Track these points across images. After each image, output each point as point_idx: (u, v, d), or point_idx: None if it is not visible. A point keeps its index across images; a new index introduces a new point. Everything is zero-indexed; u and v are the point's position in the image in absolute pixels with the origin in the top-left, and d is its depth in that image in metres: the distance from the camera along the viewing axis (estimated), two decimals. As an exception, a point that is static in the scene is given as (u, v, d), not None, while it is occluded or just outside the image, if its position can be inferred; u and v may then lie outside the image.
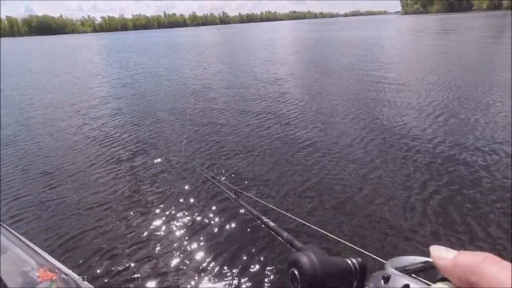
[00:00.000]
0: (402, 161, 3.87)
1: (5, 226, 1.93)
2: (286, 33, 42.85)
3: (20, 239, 1.65)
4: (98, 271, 2.45)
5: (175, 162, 4.11)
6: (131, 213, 3.16)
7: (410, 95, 7.17)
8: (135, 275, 2.36)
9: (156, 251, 2.54)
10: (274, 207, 1.87)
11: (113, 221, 2.99)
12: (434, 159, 3.93)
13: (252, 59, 16.26)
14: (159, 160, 4.25)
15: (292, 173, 3.66)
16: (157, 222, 2.90)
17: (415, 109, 6.14)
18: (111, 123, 6.55)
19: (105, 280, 2.35)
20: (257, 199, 2.21)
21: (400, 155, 3.99)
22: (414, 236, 2.53)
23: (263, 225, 1.15)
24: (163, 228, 2.84)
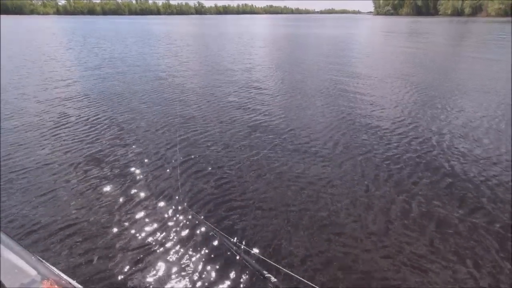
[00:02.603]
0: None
1: (3, 233, 1.58)
2: (263, 30, 42.54)
3: (20, 248, 1.46)
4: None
5: (160, 197, 3.76)
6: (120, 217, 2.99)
7: (384, 94, 7.40)
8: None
9: (155, 274, 2.44)
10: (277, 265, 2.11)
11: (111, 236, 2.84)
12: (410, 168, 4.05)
13: (225, 56, 15.86)
14: (140, 196, 3.60)
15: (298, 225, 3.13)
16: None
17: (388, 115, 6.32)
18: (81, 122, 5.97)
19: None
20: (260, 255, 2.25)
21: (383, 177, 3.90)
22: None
23: (265, 280, 1.19)
24: (158, 252, 2.68)
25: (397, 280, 2.35)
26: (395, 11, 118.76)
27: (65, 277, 1.36)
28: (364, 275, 2.40)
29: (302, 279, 2.24)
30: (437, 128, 5.25)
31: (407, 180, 3.66)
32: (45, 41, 21.90)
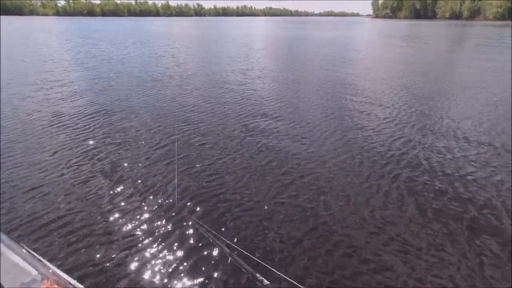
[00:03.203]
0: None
1: (3, 233, 1.58)
2: (262, 32, 42.65)
3: (21, 247, 1.50)
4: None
5: (159, 199, 3.69)
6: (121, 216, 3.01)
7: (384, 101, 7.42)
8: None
9: (155, 274, 2.49)
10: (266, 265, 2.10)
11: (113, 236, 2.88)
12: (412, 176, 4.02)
13: (223, 57, 15.91)
14: (142, 197, 3.65)
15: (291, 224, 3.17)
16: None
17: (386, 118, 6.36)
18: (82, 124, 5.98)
19: None
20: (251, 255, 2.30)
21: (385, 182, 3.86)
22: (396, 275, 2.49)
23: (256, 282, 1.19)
24: (157, 251, 2.72)
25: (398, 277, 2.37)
26: (394, 14, 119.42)
27: (65, 276, 1.37)
28: (356, 274, 2.43)
29: (293, 282, 2.28)
30: (431, 129, 5.37)
31: (410, 180, 3.71)
32: (44, 42, 21.91)
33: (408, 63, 12.89)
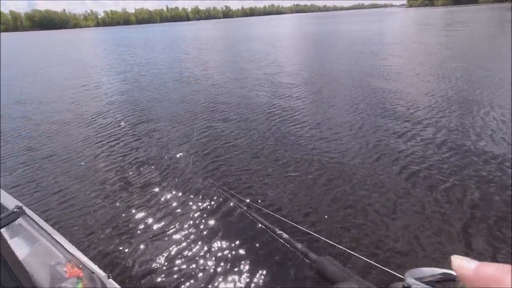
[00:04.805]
0: (419, 173, 3.54)
1: (34, 215, 1.95)
2: (291, 30, 42.19)
3: (49, 231, 1.68)
4: (121, 267, 2.49)
5: (183, 172, 3.93)
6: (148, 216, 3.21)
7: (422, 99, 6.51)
8: (154, 275, 2.39)
9: (174, 260, 2.56)
10: (285, 219, 1.95)
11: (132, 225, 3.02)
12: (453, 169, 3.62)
13: (257, 56, 16.15)
14: (165, 169, 4.03)
15: (303, 184, 3.46)
16: (171, 232, 2.88)
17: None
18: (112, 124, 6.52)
19: (128, 276, 2.39)
20: (268, 211, 2.31)
21: (417, 168, 3.63)
22: (432, 248, 2.46)
23: (276, 237, 1.19)
24: (178, 237, 2.83)
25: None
26: (430, 1, 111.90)
27: (85, 259, 1.66)
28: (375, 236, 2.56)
29: (312, 233, 2.39)
30: (471, 129, 4.66)
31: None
32: (84, 51, 24.01)
33: (449, 54, 11.95)
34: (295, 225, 1.81)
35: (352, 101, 6.25)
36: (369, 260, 0.86)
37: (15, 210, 1.34)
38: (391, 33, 22.09)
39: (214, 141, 4.85)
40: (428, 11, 66.12)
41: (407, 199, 3.06)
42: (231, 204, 3.09)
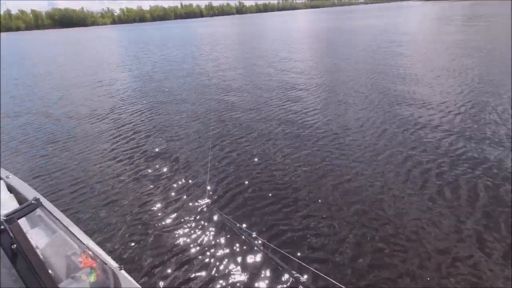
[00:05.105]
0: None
1: (51, 206, 2.08)
2: (306, 25, 41.83)
3: (65, 222, 1.79)
4: (134, 260, 2.59)
5: (195, 185, 3.77)
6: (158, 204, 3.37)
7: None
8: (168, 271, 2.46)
9: (184, 254, 2.66)
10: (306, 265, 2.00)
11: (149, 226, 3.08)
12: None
13: (272, 53, 16.16)
14: (177, 182, 3.89)
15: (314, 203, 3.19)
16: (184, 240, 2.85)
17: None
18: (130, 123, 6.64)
19: (140, 268, 2.50)
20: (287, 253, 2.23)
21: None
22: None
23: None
24: (189, 232, 2.90)
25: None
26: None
27: (99, 250, 1.75)
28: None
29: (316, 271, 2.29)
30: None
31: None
32: (101, 47, 24.61)
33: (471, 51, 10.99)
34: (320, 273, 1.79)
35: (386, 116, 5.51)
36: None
37: (33, 201, 1.40)
38: (409, 29, 21.46)
39: (231, 144, 4.81)
40: (447, 4, 63.51)
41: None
42: (243, 236, 2.86)
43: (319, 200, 3.23)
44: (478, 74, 7.60)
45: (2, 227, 1.12)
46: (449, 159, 3.78)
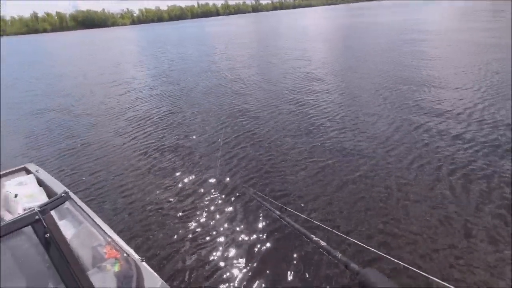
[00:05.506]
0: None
1: (77, 199, 2.22)
2: (323, 23, 41.22)
3: (91, 215, 1.89)
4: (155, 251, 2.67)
5: (212, 177, 3.88)
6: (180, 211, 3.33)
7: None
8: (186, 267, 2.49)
9: (204, 248, 2.68)
10: (323, 225, 1.72)
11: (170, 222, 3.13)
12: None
13: (289, 51, 16.08)
14: (194, 175, 3.98)
15: (342, 187, 3.31)
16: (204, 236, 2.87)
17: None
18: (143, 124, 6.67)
19: (160, 259, 2.58)
20: (305, 216, 2.09)
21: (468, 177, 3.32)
22: (486, 263, 2.25)
23: (312, 244, 1.07)
24: (210, 228, 2.93)
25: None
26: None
27: (122, 243, 1.85)
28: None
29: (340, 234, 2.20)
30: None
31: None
32: (120, 47, 25.34)
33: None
34: (334, 231, 1.59)
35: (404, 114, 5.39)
36: (420, 272, 0.74)
37: (62, 194, 1.50)
38: (428, 26, 20.72)
39: (243, 137, 4.98)
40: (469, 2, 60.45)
41: (460, 208, 2.81)
42: (263, 207, 3.00)
43: (335, 202, 3.20)
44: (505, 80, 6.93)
45: (37, 217, 1.21)
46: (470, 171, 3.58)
